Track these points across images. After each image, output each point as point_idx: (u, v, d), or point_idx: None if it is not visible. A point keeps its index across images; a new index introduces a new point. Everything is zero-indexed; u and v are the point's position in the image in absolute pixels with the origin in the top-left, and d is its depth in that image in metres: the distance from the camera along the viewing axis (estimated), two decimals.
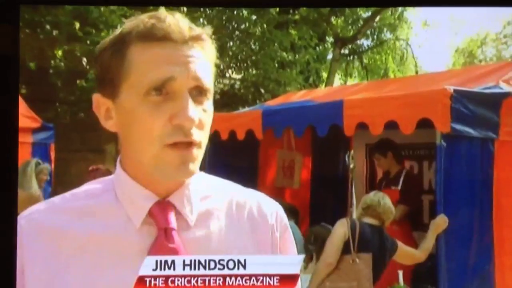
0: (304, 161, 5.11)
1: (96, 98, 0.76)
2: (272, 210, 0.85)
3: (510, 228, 3.11)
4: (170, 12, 0.73)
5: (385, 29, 9.83)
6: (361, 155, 5.03)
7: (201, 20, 8.56)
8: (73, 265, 0.72)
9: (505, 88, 3.08)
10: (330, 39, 9.73)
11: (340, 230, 2.69)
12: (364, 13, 9.09)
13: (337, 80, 10.31)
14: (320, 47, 9.49)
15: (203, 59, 0.74)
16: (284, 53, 8.86)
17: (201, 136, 0.73)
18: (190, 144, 0.71)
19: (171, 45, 0.71)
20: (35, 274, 0.72)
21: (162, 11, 0.73)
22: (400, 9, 9.49)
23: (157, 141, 0.70)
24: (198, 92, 0.72)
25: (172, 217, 0.75)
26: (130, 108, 0.72)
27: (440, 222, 2.82)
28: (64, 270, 0.72)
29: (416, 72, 9.83)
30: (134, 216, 0.75)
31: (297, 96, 4.88)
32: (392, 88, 3.82)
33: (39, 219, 0.75)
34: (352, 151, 5.25)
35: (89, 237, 0.73)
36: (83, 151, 8.23)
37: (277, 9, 8.85)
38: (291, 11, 8.96)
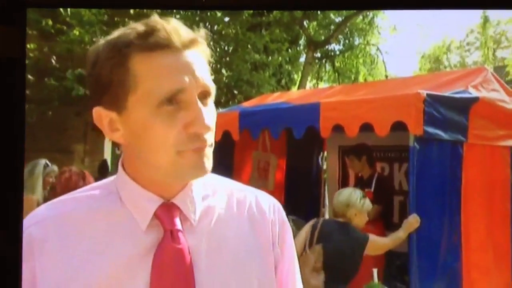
0: (279, 163, 5.16)
1: (98, 111, 0.75)
2: (270, 205, 0.88)
3: (477, 227, 3.25)
4: (163, 18, 0.73)
5: (356, 34, 10.04)
6: (334, 156, 5.13)
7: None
8: (84, 269, 0.72)
9: (474, 93, 3.22)
10: (302, 42, 9.85)
11: (303, 232, 2.80)
12: (336, 17, 9.25)
13: (308, 83, 10.44)
14: (293, 49, 9.59)
15: (203, 62, 0.76)
16: (257, 55, 8.91)
17: (212, 137, 0.76)
18: (204, 146, 0.74)
19: (172, 52, 0.72)
20: (47, 281, 0.72)
21: (155, 18, 0.73)
22: (370, 15, 9.70)
23: (173, 149, 0.71)
24: (204, 95, 0.74)
25: (177, 218, 0.77)
26: (141, 119, 0.72)
27: (413, 222, 2.91)
28: (76, 274, 0.72)
29: (386, 77, 10.08)
30: (140, 218, 0.76)
31: (272, 98, 4.92)
32: (366, 92, 3.91)
33: (49, 226, 0.75)
34: (325, 153, 5.37)
35: (97, 242, 0.74)
36: (51, 151, 8.01)
37: (251, 11, 8.90)
38: (264, 13, 9.02)
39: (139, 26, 0.72)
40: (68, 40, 6.67)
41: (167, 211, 0.76)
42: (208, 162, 0.75)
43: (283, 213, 0.89)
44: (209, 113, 0.74)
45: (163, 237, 0.75)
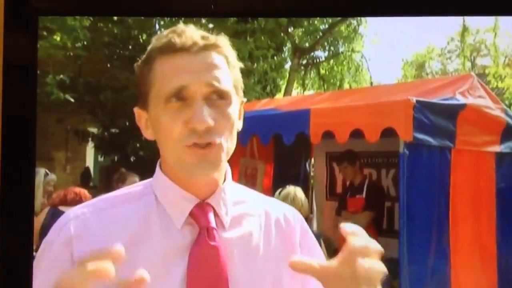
0: (266, 169, 5.16)
1: (137, 111, 0.83)
2: (294, 216, 0.92)
3: (464, 231, 3.30)
4: (186, 25, 0.79)
5: (341, 41, 10.14)
6: (322, 163, 5.15)
7: (157, 27, 8.46)
8: (119, 266, 0.72)
9: (461, 99, 3.29)
10: (287, 49, 9.90)
11: None
12: (321, 24, 9.34)
13: (293, 90, 10.49)
14: (278, 56, 9.63)
15: (220, 65, 0.78)
16: (242, 62, 8.87)
17: (221, 139, 0.76)
18: (208, 145, 0.75)
19: (187, 55, 0.77)
20: None
21: (180, 25, 0.79)
22: (354, 22, 9.83)
23: (177, 143, 0.76)
24: (216, 96, 0.77)
25: (212, 217, 0.80)
26: (156, 115, 0.78)
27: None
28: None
29: (371, 83, 10.20)
30: (176, 217, 0.79)
31: (261, 105, 4.93)
32: (354, 98, 3.95)
33: (86, 222, 0.78)
34: (312, 159, 5.39)
35: (133, 239, 0.76)
36: None
37: (235, 17, 8.90)
38: (249, 20, 9.04)
39: (165, 32, 0.79)
40: (49, 45, 6.57)
41: (202, 210, 0.80)
42: (211, 163, 0.76)
43: (306, 224, 0.93)
44: (217, 114, 0.76)
45: (198, 234, 0.78)
